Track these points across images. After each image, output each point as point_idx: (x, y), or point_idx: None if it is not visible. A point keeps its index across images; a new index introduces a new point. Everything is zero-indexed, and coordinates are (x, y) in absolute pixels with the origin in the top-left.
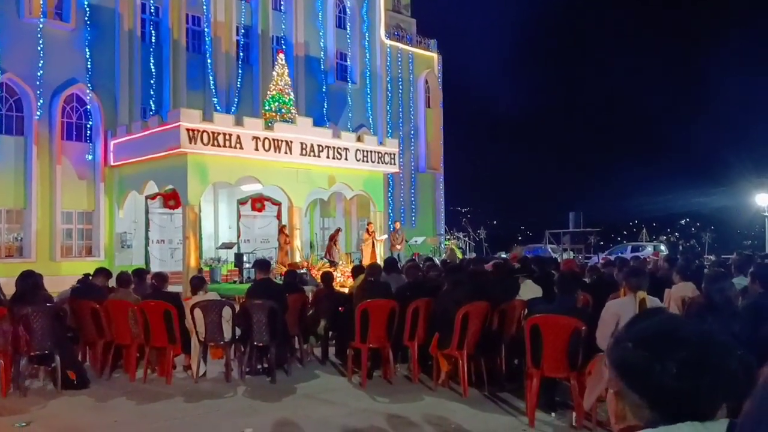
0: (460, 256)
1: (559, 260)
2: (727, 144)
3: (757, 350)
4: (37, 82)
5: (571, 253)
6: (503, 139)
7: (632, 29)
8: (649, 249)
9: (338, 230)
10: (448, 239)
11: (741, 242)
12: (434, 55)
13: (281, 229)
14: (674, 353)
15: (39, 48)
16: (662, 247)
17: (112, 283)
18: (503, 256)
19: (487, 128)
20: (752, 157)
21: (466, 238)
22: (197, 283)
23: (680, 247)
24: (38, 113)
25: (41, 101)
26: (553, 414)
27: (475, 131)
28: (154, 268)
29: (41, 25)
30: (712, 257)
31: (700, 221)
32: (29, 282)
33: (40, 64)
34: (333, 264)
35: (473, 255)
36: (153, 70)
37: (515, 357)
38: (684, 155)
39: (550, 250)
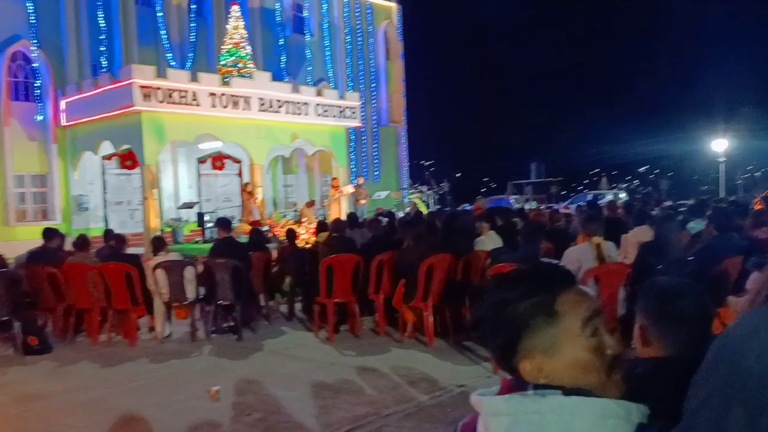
0: (424, 209)
1: (525, 210)
2: (684, 91)
3: (708, 289)
4: None
5: (534, 203)
6: (465, 90)
7: None
8: (609, 196)
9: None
10: (412, 193)
11: (698, 188)
12: (393, 6)
13: (244, 187)
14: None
15: None
16: (622, 195)
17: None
18: (467, 207)
19: (449, 80)
20: (707, 104)
21: (430, 192)
22: (158, 244)
23: (638, 194)
24: None
25: None
26: None
27: (437, 83)
28: (114, 230)
29: None
30: (669, 203)
31: (659, 168)
32: None
33: None
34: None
35: (436, 208)
36: (102, 25)
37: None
38: (642, 103)
39: (512, 200)
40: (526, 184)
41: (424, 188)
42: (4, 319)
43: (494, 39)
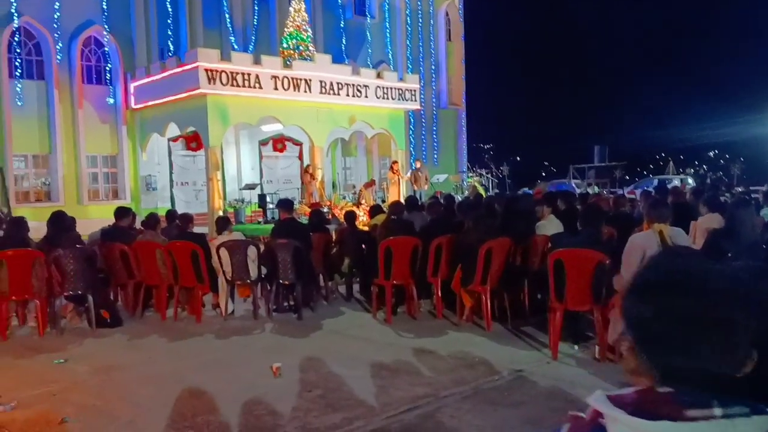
0: (483, 193)
1: (587, 194)
2: (758, 73)
3: None
4: (54, 25)
5: (596, 187)
6: (527, 72)
7: None
8: (677, 182)
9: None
10: (471, 176)
11: None
12: None
13: (305, 169)
14: (674, 305)
15: None
16: (690, 180)
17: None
18: (527, 191)
19: (510, 61)
20: None
21: (489, 175)
22: (222, 224)
23: (708, 180)
24: (58, 57)
25: (60, 45)
26: (575, 347)
27: (497, 65)
28: (180, 209)
29: None
30: (741, 189)
31: (729, 153)
32: (60, 224)
33: (56, 6)
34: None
35: (496, 191)
36: (169, 10)
37: (538, 291)
38: (713, 86)
39: (574, 185)
40: (588, 168)
41: (484, 172)
42: (80, 293)
43: (556, 19)
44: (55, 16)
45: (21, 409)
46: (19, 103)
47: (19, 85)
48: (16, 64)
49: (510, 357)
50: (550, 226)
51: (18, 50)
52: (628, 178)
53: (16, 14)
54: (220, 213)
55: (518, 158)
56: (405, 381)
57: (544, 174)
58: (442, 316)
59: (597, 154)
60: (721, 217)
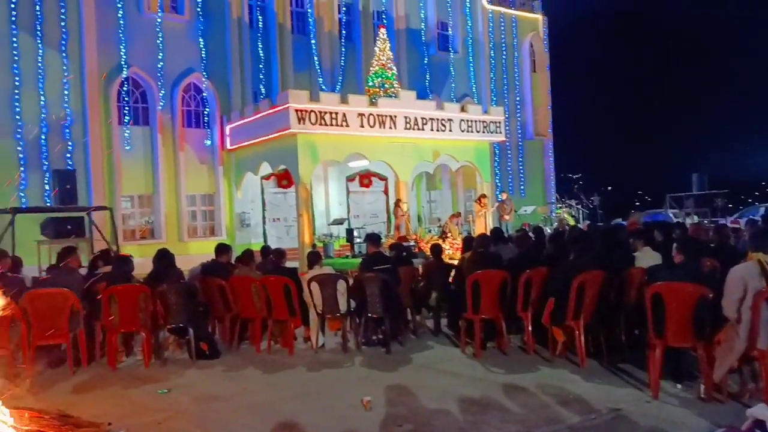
0: (573, 224)
1: (683, 224)
2: None
3: None
4: (158, 74)
5: (696, 217)
6: (617, 98)
7: None
8: None
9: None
10: (560, 207)
11: None
12: (539, 17)
13: (397, 203)
14: None
15: (158, 41)
16: None
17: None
18: (621, 222)
19: (598, 89)
20: None
21: (579, 206)
22: (314, 258)
23: None
24: (161, 103)
25: (163, 92)
26: (678, 385)
27: (585, 93)
28: (272, 245)
29: (159, 19)
30: None
31: None
32: (165, 261)
33: (160, 57)
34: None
35: (587, 223)
36: (261, 55)
37: (635, 327)
38: None
39: (671, 215)
40: (686, 197)
41: (573, 202)
42: (182, 325)
43: (646, 41)
44: (159, 66)
45: None
46: (127, 148)
47: (127, 131)
48: (125, 111)
49: (607, 395)
50: (645, 258)
51: (126, 99)
52: (731, 206)
53: (125, 66)
54: (311, 248)
55: (609, 188)
56: (496, 417)
57: (638, 204)
58: (534, 352)
59: (696, 183)
60: None
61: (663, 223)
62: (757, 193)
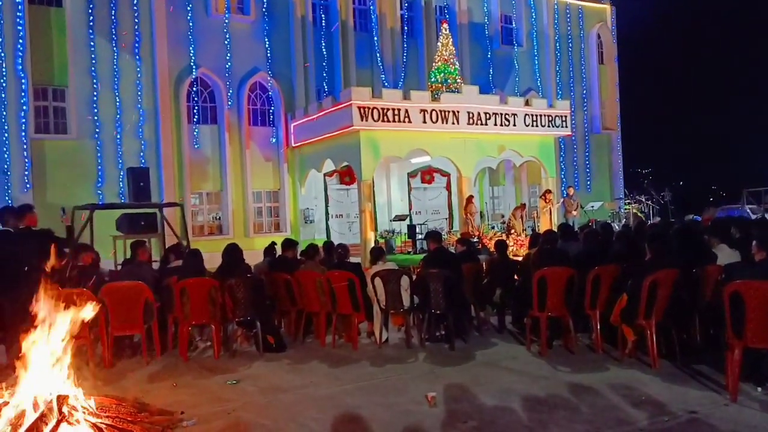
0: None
1: (765, 220)
2: None
3: None
4: (226, 74)
5: None
6: (689, 89)
7: None
8: None
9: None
10: (628, 203)
11: None
12: (606, 7)
13: (469, 199)
14: None
15: (225, 42)
16: None
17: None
18: (696, 218)
19: (670, 80)
20: None
21: (649, 201)
22: (377, 254)
23: None
24: (229, 103)
25: (230, 91)
26: (759, 388)
27: (655, 85)
28: (335, 240)
29: (226, 20)
30: None
31: None
32: (233, 256)
33: (227, 57)
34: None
35: (657, 219)
36: (324, 53)
37: (711, 326)
38: None
39: (749, 210)
40: (765, 191)
41: (643, 198)
42: (249, 319)
43: (718, 30)
44: (227, 66)
45: (201, 424)
46: (196, 146)
47: (196, 130)
48: (194, 111)
49: (681, 397)
50: (722, 255)
51: (195, 98)
52: None
53: (194, 66)
54: (373, 243)
55: (681, 183)
56: (563, 417)
57: (711, 199)
58: (602, 351)
59: None
60: None
61: (740, 219)
62: None
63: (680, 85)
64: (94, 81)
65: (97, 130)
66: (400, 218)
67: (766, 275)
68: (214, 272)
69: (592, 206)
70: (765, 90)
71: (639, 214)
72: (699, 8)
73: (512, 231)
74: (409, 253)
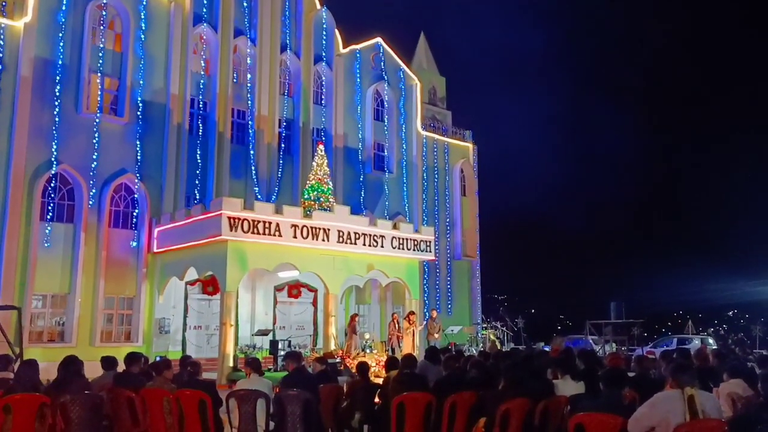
0: (499, 347)
1: (601, 354)
2: None
3: None
4: (90, 173)
5: (614, 345)
6: (540, 226)
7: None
8: (696, 342)
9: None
10: (485, 328)
11: None
12: (469, 145)
13: (353, 317)
14: None
15: (94, 141)
16: (710, 341)
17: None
18: (544, 348)
19: (523, 215)
20: None
21: (504, 328)
22: (255, 365)
23: (729, 341)
24: (90, 202)
25: (93, 191)
26: None
27: (510, 218)
28: (191, 353)
29: (97, 120)
30: (764, 352)
31: (750, 313)
32: (70, 369)
33: (94, 156)
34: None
35: (511, 345)
36: (199, 161)
37: None
38: (730, 244)
39: (591, 341)
40: (605, 324)
41: (498, 324)
42: None
43: (569, 175)
44: (92, 165)
45: None
46: (46, 245)
47: (48, 228)
48: (49, 207)
49: None
50: (565, 386)
51: (52, 195)
52: (646, 335)
53: (55, 162)
54: (232, 359)
55: (533, 311)
56: None
57: (559, 328)
58: None
59: (613, 310)
60: (744, 383)
61: (585, 352)
62: (670, 323)
63: (535, 220)
64: None
65: None
66: (262, 333)
67: (605, 408)
68: (47, 387)
69: (452, 330)
70: (604, 231)
71: (495, 339)
72: (555, 149)
73: (375, 350)
74: (269, 369)
